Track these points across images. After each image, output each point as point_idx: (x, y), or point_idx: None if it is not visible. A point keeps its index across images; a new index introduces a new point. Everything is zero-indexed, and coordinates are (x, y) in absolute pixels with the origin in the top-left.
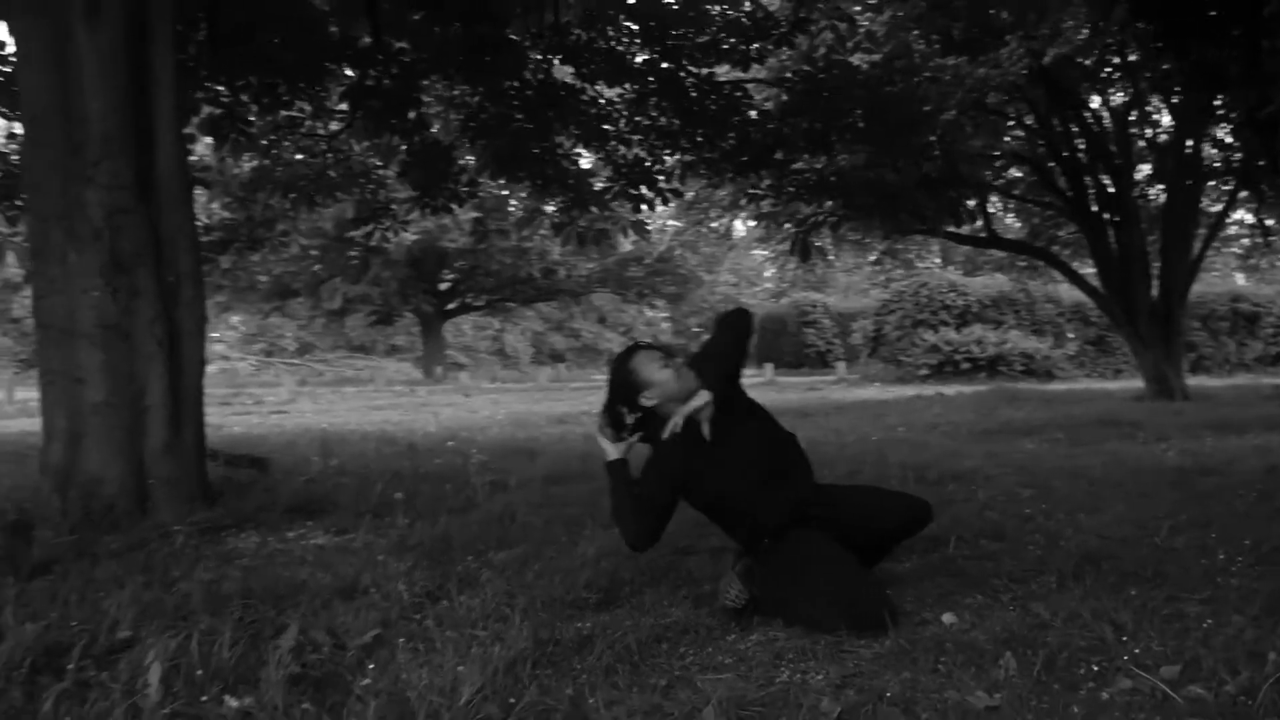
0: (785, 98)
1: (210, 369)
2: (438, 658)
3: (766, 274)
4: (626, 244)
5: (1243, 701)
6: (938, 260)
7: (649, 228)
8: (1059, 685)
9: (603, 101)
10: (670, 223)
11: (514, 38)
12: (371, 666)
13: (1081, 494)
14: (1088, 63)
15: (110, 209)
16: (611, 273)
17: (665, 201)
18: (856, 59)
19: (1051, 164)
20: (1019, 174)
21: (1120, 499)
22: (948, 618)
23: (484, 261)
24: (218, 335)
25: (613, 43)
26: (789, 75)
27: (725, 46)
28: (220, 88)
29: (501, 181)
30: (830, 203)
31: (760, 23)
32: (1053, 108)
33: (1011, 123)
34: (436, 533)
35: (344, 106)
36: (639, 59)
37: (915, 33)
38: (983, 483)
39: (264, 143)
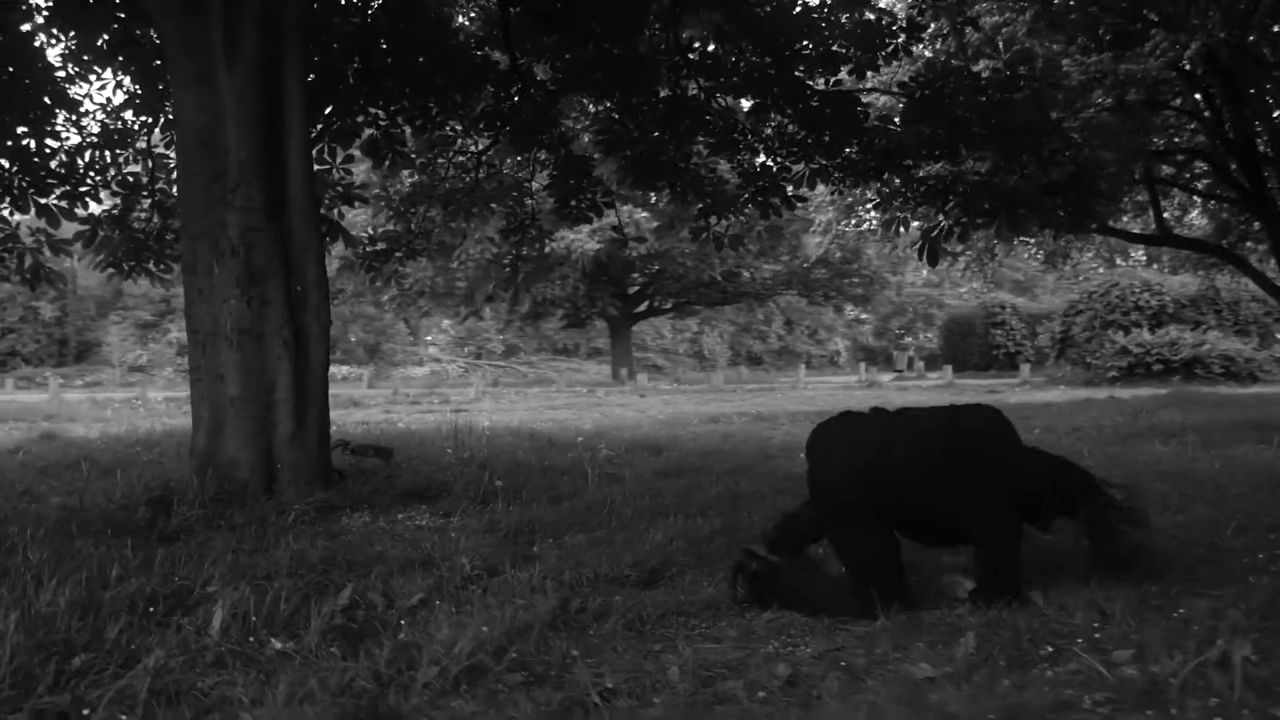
0: (903, 103)
1: (421, 370)
2: (469, 619)
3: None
4: (813, 248)
5: (1166, 681)
6: (1142, 257)
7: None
8: (1006, 663)
9: (730, 113)
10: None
11: (644, 54)
12: (405, 624)
13: (1175, 494)
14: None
15: (244, 228)
16: (797, 275)
17: (792, 207)
18: (981, 64)
19: (1227, 156)
20: (1203, 167)
21: (1212, 500)
22: (968, 584)
23: (668, 265)
24: (430, 339)
25: (733, 57)
26: (908, 81)
27: (842, 53)
28: (379, 111)
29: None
30: (953, 208)
31: (878, 29)
32: (1227, 97)
33: (1184, 116)
34: (525, 517)
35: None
36: (759, 71)
37: (1041, 40)
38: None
39: (421, 161)
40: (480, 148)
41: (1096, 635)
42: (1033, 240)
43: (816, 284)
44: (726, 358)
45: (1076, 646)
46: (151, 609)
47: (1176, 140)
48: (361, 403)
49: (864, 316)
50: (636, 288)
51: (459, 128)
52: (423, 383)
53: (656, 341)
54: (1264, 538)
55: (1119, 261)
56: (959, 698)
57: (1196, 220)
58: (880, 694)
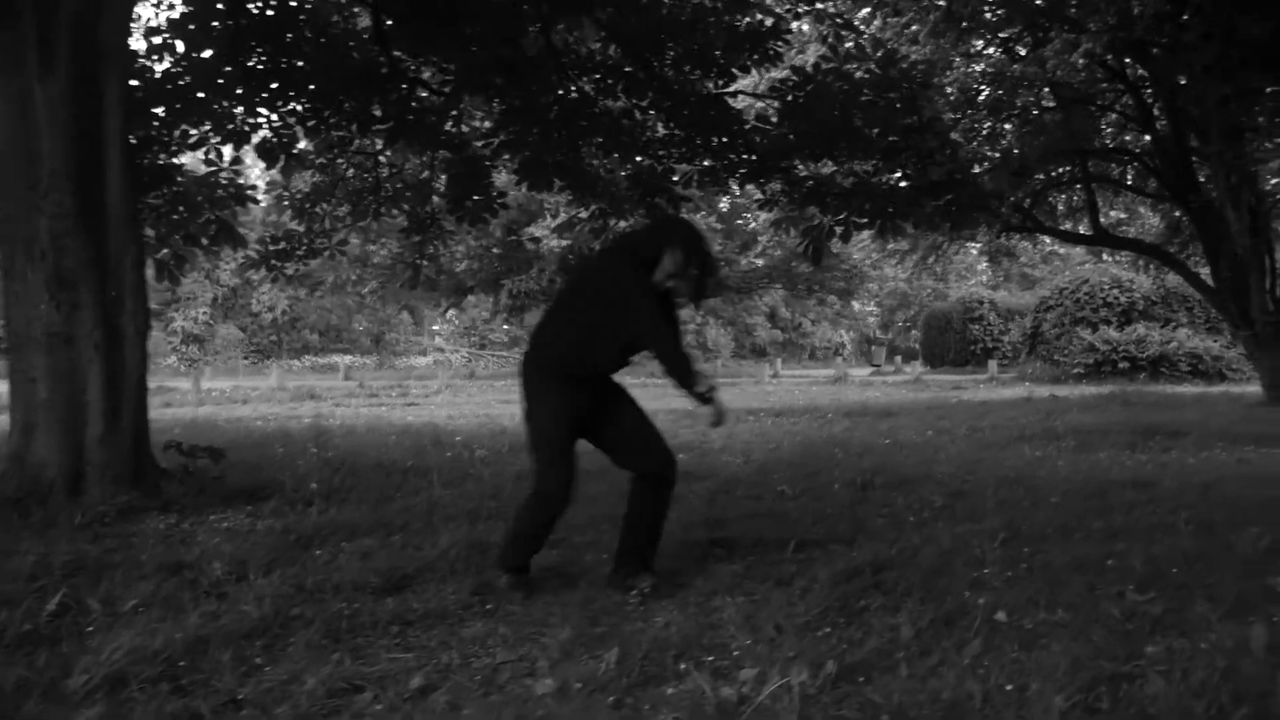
0: (778, 106)
1: (424, 360)
2: (158, 627)
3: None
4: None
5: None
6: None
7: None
8: (637, 679)
9: (618, 114)
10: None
11: (532, 57)
12: (92, 630)
13: (994, 502)
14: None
15: (55, 234)
16: (779, 269)
17: (678, 208)
18: (853, 66)
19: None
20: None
21: (1024, 508)
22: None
23: None
24: (436, 328)
25: (609, 60)
26: (779, 84)
27: (716, 56)
28: (271, 114)
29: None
30: (831, 209)
31: (749, 34)
32: (1157, 95)
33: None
34: (331, 520)
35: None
36: (633, 74)
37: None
38: (901, 489)
39: (320, 161)
40: (377, 149)
41: (735, 651)
42: (979, 239)
43: (799, 278)
44: (730, 349)
45: (706, 662)
46: None
47: (1107, 142)
48: (320, 395)
49: (870, 308)
50: None
51: (353, 129)
52: (414, 374)
53: None
54: (1016, 550)
55: (1105, 256)
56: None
57: (1151, 220)
58: (481, 710)
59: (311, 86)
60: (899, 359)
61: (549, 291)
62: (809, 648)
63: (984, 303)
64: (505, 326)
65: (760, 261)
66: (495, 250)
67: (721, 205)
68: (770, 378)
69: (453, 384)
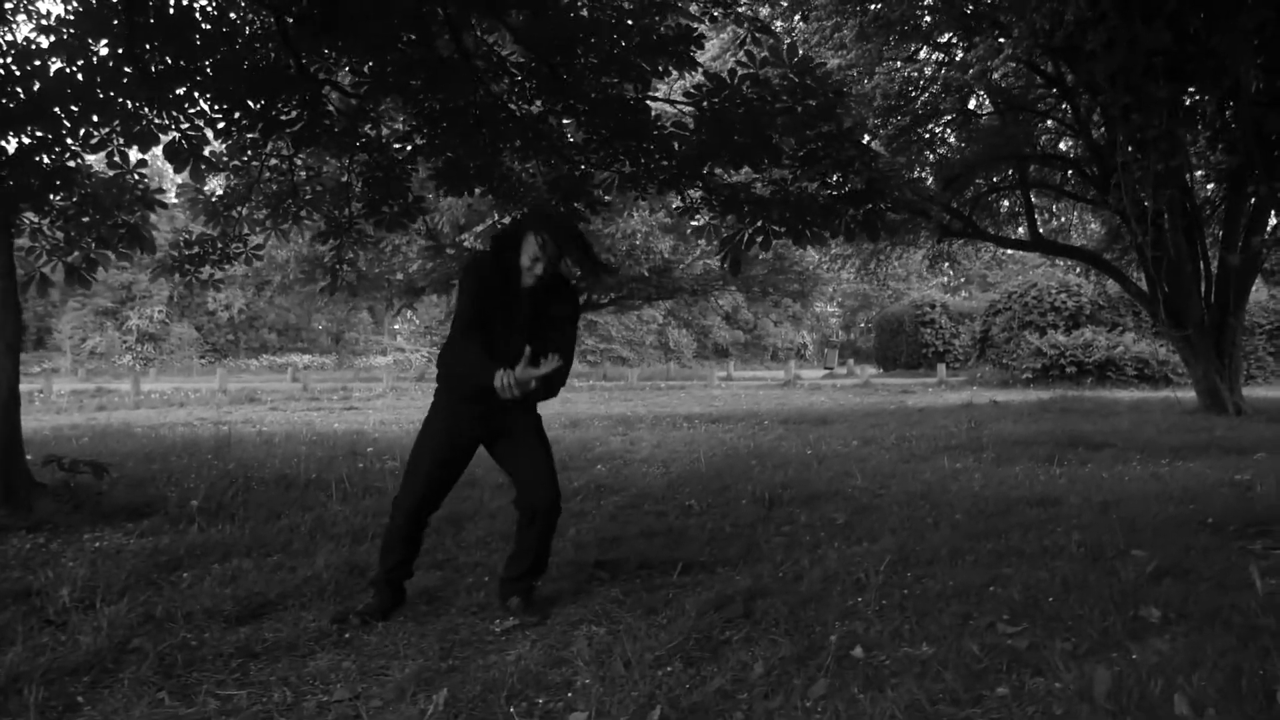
0: (695, 113)
1: (384, 360)
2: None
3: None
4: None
5: None
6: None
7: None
8: None
9: (534, 118)
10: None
11: (448, 59)
12: None
13: (891, 522)
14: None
15: None
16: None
17: (596, 213)
18: (769, 72)
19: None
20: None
21: (924, 527)
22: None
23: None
24: (399, 327)
25: (521, 61)
26: (692, 90)
27: (628, 61)
28: (178, 115)
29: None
30: (747, 217)
31: (666, 38)
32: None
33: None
34: (209, 540)
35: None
36: (546, 77)
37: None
38: (808, 505)
39: (234, 164)
40: (292, 152)
41: (571, 692)
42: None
43: (754, 280)
44: (693, 350)
45: (538, 704)
46: None
47: (1041, 147)
48: (260, 399)
49: (832, 309)
50: (573, 281)
51: (272, 132)
52: (364, 376)
53: (621, 333)
54: (901, 575)
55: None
56: None
57: (1094, 226)
58: None
59: (218, 88)
60: (851, 361)
61: None
62: (649, 687)
63: (935, 306)
64: None
65: (715, 263)
66: (449, 251)
67: (675, 205)
68: (721, 381)
69: (398, 386)
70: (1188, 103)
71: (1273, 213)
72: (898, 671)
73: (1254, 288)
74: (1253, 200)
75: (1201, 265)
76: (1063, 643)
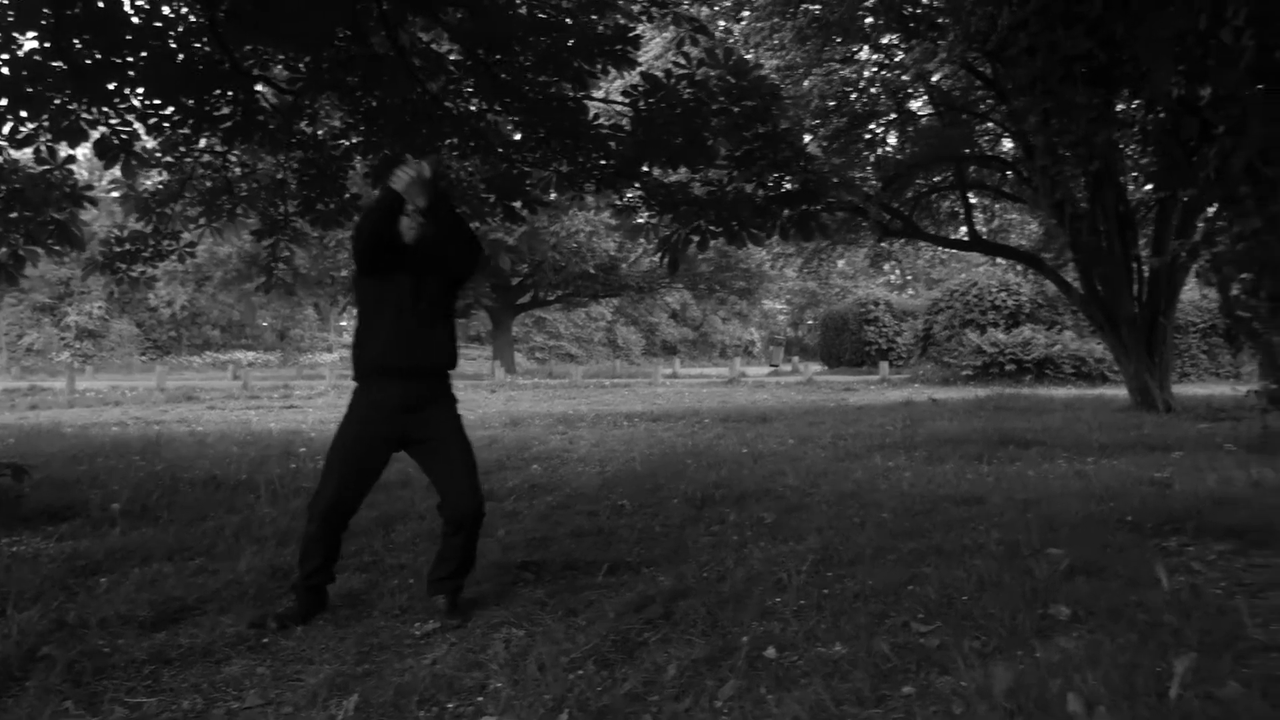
0: (632, 113)
1: (330, 356)
2: None
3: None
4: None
5: None
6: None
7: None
8: None
9: (470, 116)
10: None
11: (383, 56)
12: None
13: (819, 521)
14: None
15: None
16: (681, 269)
17: (534, 212)
18: (706, 72)
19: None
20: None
21: (851, 526)
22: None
23: (531, 258)
24: (345, 324)
25: (465, 58)
26: (629, 89)
27: (564, 60)
28: (109, 111)
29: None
30: (684, 217)
31: (604, 37)
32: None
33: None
34: (129, 543)
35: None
36: (481, 75)
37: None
38: (738, 504)
39: (166, 160)
40: (224, 148)
41: (481, 696)
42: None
43: (700, 278)
44: (641, 347)
45: (448, 709)
46: None
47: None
48: (198, 397)
49: (780, 306)
50: (519, 279)
51: (203, 128)
52: (307, 374)
53: (569, 330)
54: (823, 574)
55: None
56: None
57: (1034, 227)
58: None
59: (150, 83)
60: (796, 359)
61: None
62: (561, 690)
63: (879, 304)
64: None
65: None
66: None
67: (612, 205)
68: (666, 378)
69: (341, 384)
70: (1121, 108)
71: (1199, 216)
72: (808, 671)
73: (1188, 286)
74: (1185, 201)
75: (1135, 266)
76: (972, 641)
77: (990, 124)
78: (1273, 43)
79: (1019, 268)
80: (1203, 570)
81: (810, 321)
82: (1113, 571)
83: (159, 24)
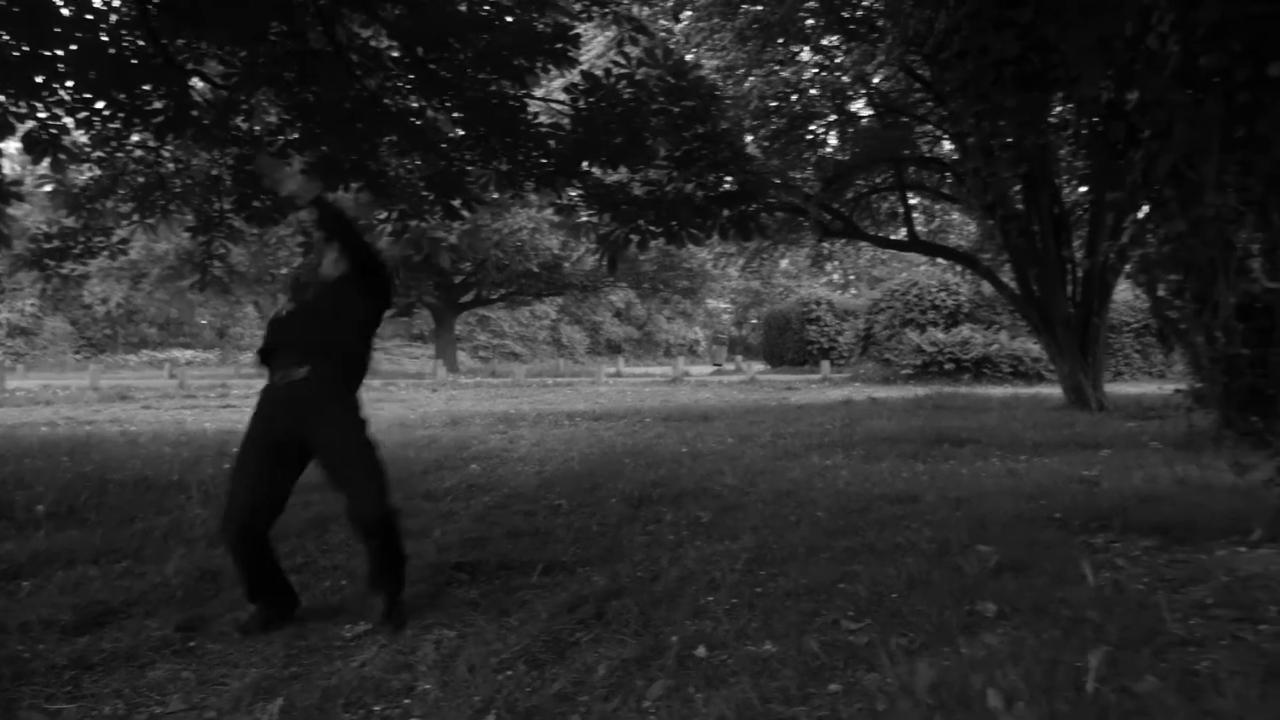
0: (571, 112)
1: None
2: None
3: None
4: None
5: None
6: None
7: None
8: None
9: (410, 113)
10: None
11: (319, 51)
12: None
13: (754, 520)
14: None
15: None
16: (623, 268)
17: (473, 210)
18: (646, 72)
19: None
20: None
21: (786, 525)
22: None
23: (473, 256)
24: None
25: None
26: (569, 87)
27: (503, 58)
28: (38, 105)
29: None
30: (624, 217)
31: (543, 35)
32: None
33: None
34: (52, 546)
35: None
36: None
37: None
38: (675, 503)
39: (98, 155)
40: (157, 144)
41: (409, 699)
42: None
43: (644, 276)
44: (585, 346)
45: (375, 712)
46: None
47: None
48: (133, 396)
49: (724, 305)
50: (462, 277)
51: (134, 122)
52: (245, 372)
53: (514, 329)
54: (756, 573)
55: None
56: None
57: (972, 228)
58: None
59: (79, 76)
60: (739, 358)
61: None
62: (490, 691)
63: (821, 304)
64: None
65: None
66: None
67: (551, 203)
68: (610, 377)
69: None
70: (1057, 110)
71: (1129, 219)
72: (738, 670)
73: (1121, 287)
74: (1116, 203)
75: (1069, 267)
76: (899, 638)
77: (929, 126)
78: (1197, 49)
79: (958, 268)
80: (1127, 566)
81: (753, 321)
82: (1039, 568)
83: (89, 16)
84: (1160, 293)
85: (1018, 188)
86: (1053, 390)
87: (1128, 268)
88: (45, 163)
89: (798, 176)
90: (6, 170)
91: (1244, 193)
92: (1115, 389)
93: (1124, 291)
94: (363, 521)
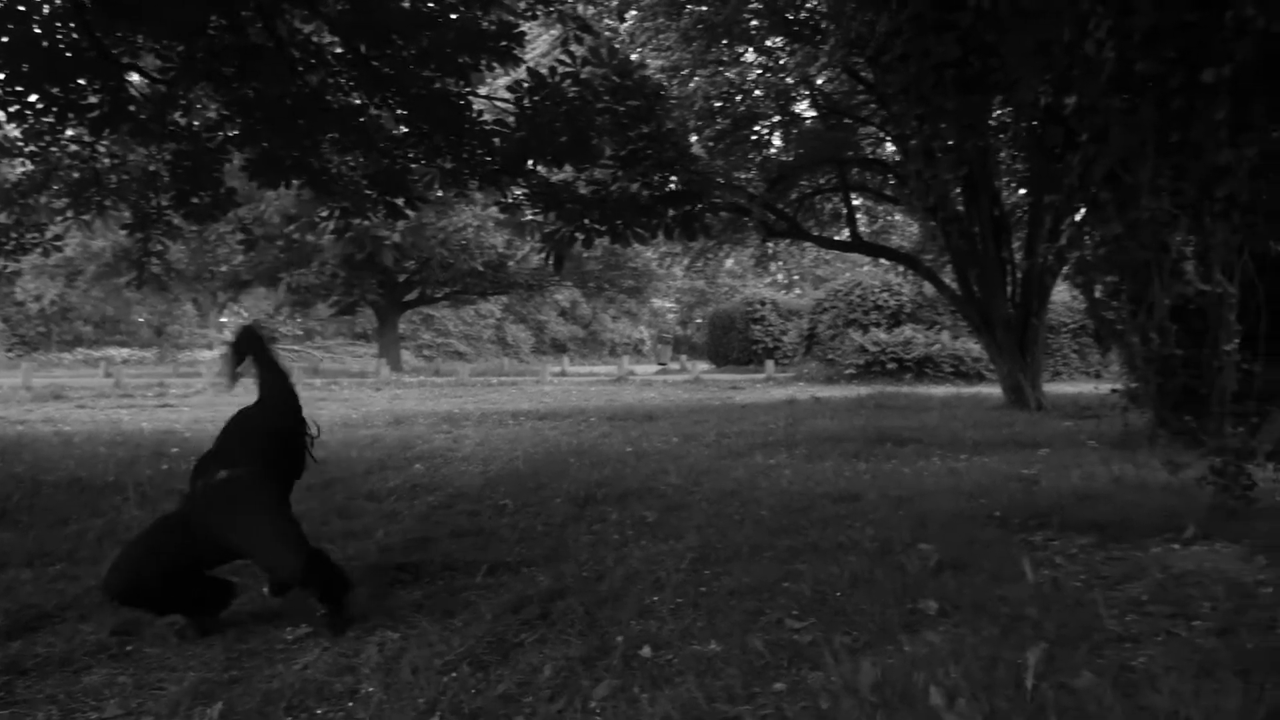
0: (516, 110)
1: (210, 354)
2: None
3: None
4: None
5: None
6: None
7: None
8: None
9: (351, 109)
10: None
11: (260, 46)
12: None
13: (699, 519)
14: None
15: None
16: (568, 267)
17: (416, 209)
18: (591, 71)
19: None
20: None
21: (731, 524)
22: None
23: (416, 255)
24: (226, 320)
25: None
26: (513, 86)
27: (447, 55)
28: None
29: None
30: (568, 215)
31: (488, 34)
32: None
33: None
34: None
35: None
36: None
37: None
38: (620, 503)
39: (30, 150)
40: (92, 138)
41: (352, 701)
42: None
43: (589, 276)
44: (530, 344)
45: (317, 714)
46: None
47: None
48: (67, 396)
49: (669, 305)
50: (405, 276)
51: (69, 117)
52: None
53: (459, 328)
54: (700, 572)
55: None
56: None
57: (915, 229)
58: None
59: (11, 69)
60: (684, 357)
61: (329, 286)
62: (434, 693)
63: (765, 303)
64: (298, 319)
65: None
66: (279, 243)
67: (495, 202)
68: (554, 376)
69: (219, 383)
70: (997, 114)
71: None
72: (683, 669)
73: (1059, 288)
74: (1054, 205)
75: (1009, 268)
76: (843, 637)
77: (872, 127)
78: (1132, 55)
79: (900, 269)
80: (1064, 564)
81: (698, 320)
82: (979, 566)
83: (21, 7)
84: (1097, 294)
85: (958, 190)
86: (993, 390)
87: (1065, 269)
88: None
89: (742, 177)
90: None
91: (1178, 196)
92: (1053, 388)
93: (1062, 292)
94: (288, 579)
